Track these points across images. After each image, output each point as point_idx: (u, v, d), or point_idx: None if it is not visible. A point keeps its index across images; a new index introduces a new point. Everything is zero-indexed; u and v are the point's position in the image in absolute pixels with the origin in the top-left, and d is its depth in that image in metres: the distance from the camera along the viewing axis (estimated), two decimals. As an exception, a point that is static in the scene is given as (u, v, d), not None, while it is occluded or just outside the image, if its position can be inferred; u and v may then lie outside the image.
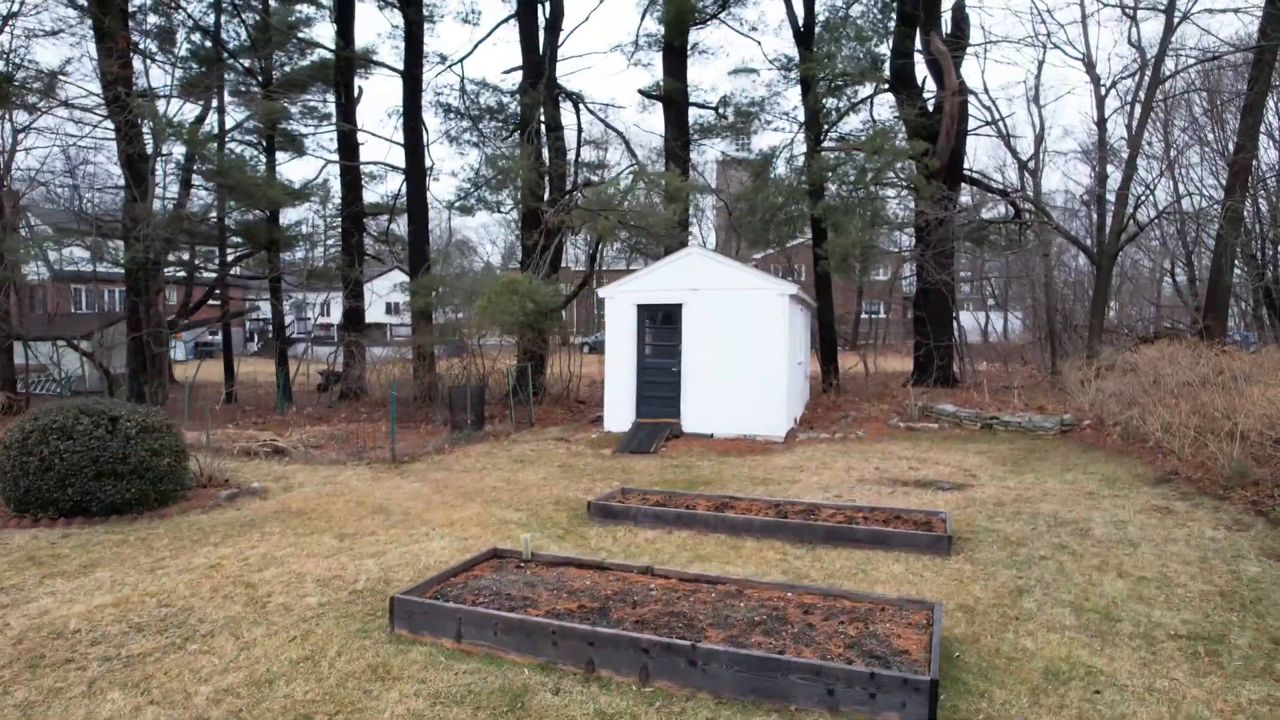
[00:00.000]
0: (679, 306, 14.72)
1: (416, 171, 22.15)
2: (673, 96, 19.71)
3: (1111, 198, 17.31)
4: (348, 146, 23.22)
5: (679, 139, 19.79)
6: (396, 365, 22.27)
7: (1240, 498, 9.11)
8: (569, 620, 5.01)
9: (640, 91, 20.96)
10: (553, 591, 5.67)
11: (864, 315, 44.59)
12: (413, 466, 12.29)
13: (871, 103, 20.16)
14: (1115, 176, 18.50)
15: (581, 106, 21.70)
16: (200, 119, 24.48)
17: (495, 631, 4.94)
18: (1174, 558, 7.24)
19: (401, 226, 26.51)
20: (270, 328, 39.15)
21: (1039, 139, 18.34)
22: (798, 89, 19.79)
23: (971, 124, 19.87)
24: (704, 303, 14.55)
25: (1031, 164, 18.60)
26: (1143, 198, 18.07)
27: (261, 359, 38.56)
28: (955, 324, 19.79)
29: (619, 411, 15.10)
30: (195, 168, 22.94)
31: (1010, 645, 5.28)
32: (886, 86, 19.89)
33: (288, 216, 27.47)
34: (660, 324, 15.03)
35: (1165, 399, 12.29)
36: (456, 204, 21.16)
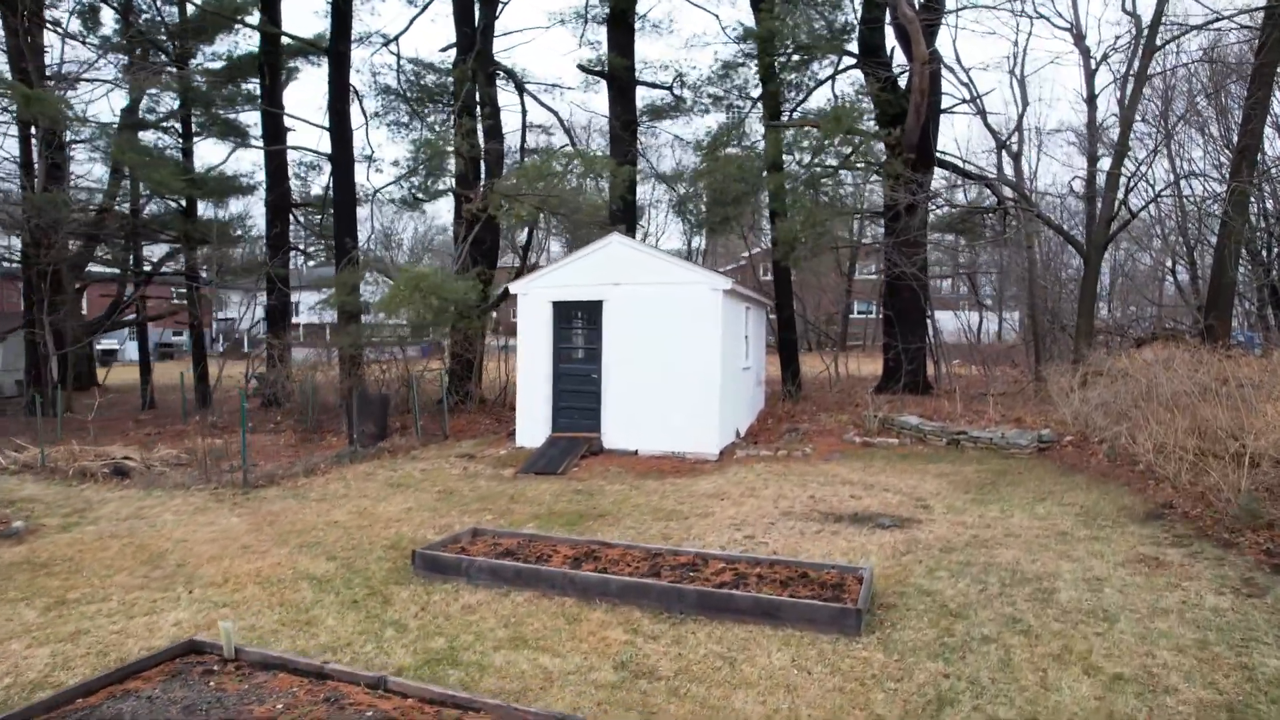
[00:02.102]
0: (599, 304, 12.78)
1: (343, 158, 20.16)
2: (617, 73, 17.76)
3: (1103, 181, 15.36)
4: (273, 132, 21.29)
5: (624, 120, 17.83)
6: (322, 369, 20.35)
7: (1251, 544, 7.15)
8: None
9: (581, 67, 18.99)
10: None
11: (857, 314, 42.63)
12: (264, 493, 10.35)
13: (834, 81, 18.19)
14: (1108, 163, 16.59)
15: (519, 84, 19.73)
16: (131, 108, 22.64)
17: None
18: (1163, 640, 5.29)
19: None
20: (238, 327, 37.25)
21: (1020, 117, 16.40)
22: (757, 65, 17.84)
23: (948, 102, 17.93)
24: (627, 299, 12.60)
25: (1015, 144, 16.63)
26: (1136, 176, 15.95)
27: (231, 359, 36.54)
28: (929, 323, 17.83)
29: (533, 425, 13.15)
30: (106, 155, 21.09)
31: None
32: (854, 62, 17.97)
33: (232, 210, 25.57)
34: (579, 324, 13.09)
35: (1159, 413, 10.33)
36: (394, 196, 19.16)
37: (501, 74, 19.31)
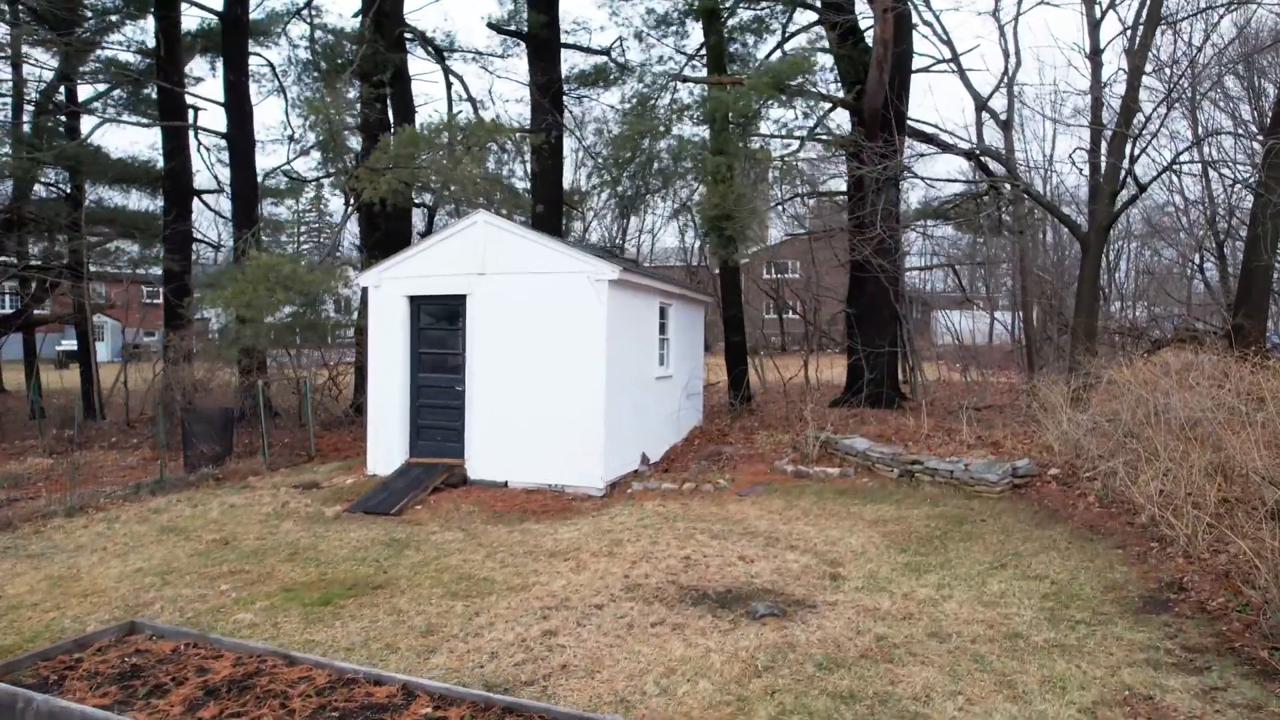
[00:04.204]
0: (463, 298, 10.24)
1: (241, 138, 17.88)
2: (536, 31, 15.22)
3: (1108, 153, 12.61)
4: (170, 107, 18.94)
5: (544, 84, 15.26)
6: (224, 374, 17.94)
7: (1307, 674, 4.46)
8: None
9: (492, 26, 16.45)
10: None
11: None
12: (-22, 544, 7.90)
13: (784, 37, 15.43)
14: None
15: (437, 50, 17.21)
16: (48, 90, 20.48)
17: None
18: None
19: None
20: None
21: (1008, 74, 13.53)
22: (700, 20, 15.20)
23: (924, 62, 15.24)
24: (495, 293, 10.06)
25: (1003, 109, 13.83)
26: (1146, 135, 12.87)
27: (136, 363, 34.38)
28: (901, 325, 15.10)
29: (387, 447, 10.64)
30: None
31: None
32: (815, 19, 15.31)
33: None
34: (440, 324, 10.55)
35: (1170, 443, 7.61)
36: (276, 181, 16.71)
37: (411, 37, 16.81)
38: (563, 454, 9.78)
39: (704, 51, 15.34)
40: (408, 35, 16.75)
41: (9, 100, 19.58)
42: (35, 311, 19.99)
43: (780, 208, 15.84)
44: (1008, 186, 13.90)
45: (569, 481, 9.80)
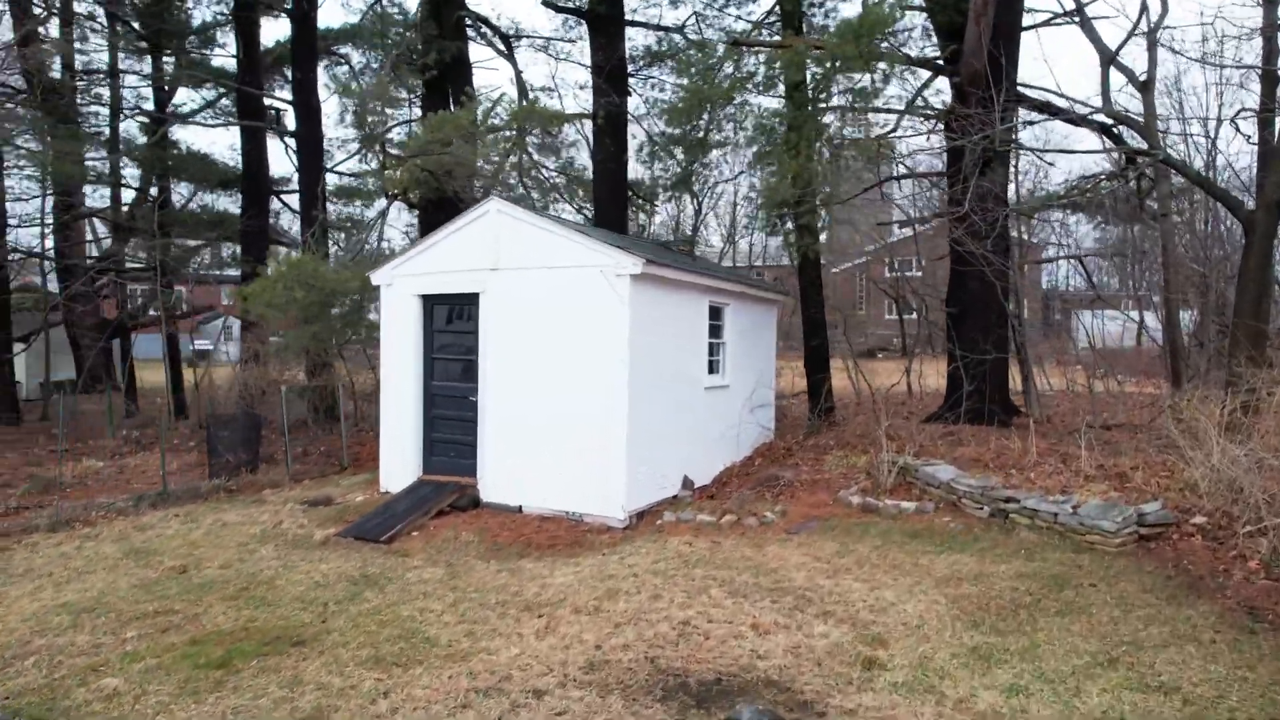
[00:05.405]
0: (475, 298, 9.08)
1: (309, 135, 17.58)
2: (596, 8, 13.95)
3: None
4: (248, 110, 19.00)
5: (605, 65, 13.93)
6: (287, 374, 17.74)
7: None
8: None
9: (547, 3, 15.21)
10: None
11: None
12: (-59, 561, 7.39)
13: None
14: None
15: (504, 37, 16.24)
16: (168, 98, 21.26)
17: None
18: None
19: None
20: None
21: (1149, 22, 11.01)
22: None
23: (1040, 18, 12.87)
24: (509, 290, 8.85)
25: (1141, 70, 11.33)
26: None
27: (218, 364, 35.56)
28: (1013, 326, 12.79)
29: (399, 462, 9.64)
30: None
31: None
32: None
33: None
34: (453, 326, 9.44)
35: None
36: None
37: (471, 22, 15.91)
38: (581, 478, 8.44)
39: (772, 18, 13.61)
40: (468, 21, 15.88)
41: (104, 108, 20.31)
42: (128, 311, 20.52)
43: (871, 192, 13.84)
44: (1136, 156, 11.40)
45: (588, 509, 8.45)
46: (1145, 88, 11.81)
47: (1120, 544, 6.79)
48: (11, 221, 19.22)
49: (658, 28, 15.77)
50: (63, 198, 20.54)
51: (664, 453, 8.94)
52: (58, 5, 19.65)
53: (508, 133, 11.47)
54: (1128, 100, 12.58)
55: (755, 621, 5.64)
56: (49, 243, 21.00)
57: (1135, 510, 7.02)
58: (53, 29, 19.81)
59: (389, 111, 14.27)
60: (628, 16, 14.74)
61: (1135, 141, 11.72)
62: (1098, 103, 11.44)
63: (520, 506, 8.81)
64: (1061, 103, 11.00)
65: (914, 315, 26.58)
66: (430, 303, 9.41)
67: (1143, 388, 15.43)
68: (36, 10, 19.37)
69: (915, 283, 27.99)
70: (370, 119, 12.15)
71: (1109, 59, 10.88)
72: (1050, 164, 14.70)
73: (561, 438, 8.54)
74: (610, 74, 14.15)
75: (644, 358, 8.40)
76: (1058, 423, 11.94)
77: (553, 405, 8.59)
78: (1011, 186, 13.52)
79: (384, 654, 5.24)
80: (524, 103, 13.41)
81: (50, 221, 21.09)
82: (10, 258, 19.28)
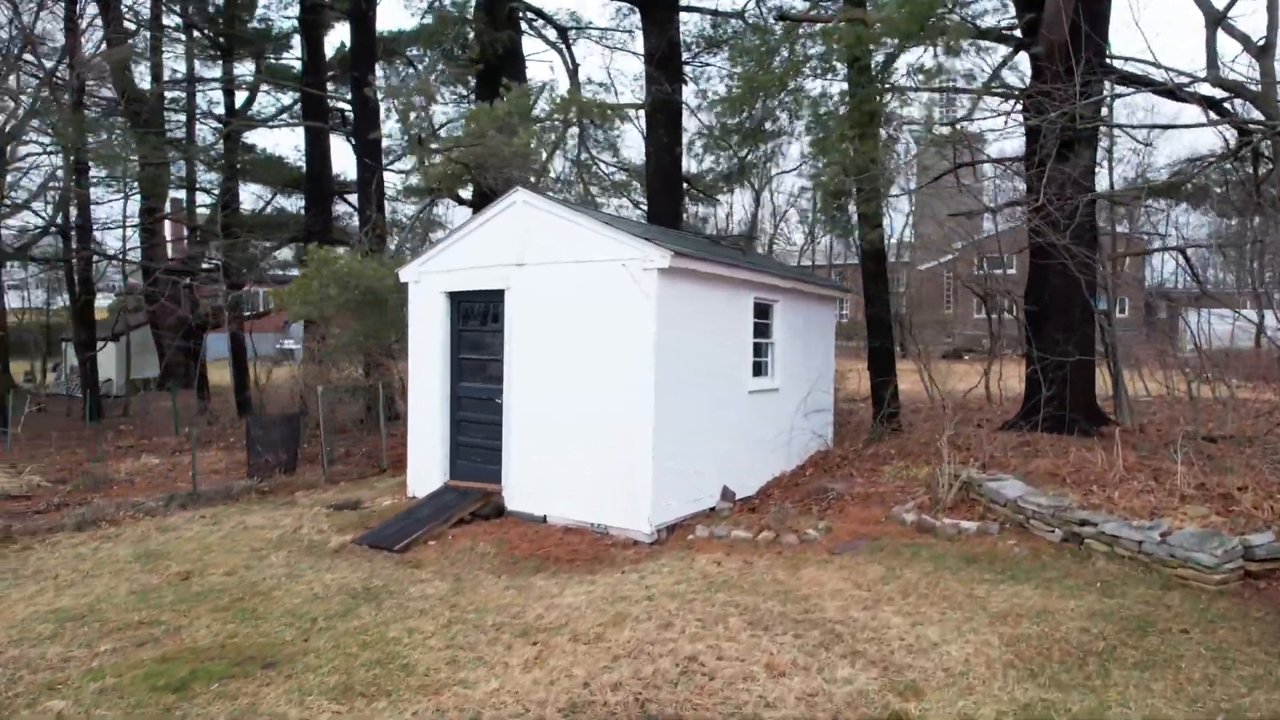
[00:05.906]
0: (500, 294, 8.62)
1: (367, 138, 17.60)
2: (647, -7, 13.37)
3: None
4: (313, 111, 19.24)
5: (658, 52, 13.31)
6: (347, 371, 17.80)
7: None
8: None
9: (597, -11, 14.64)
10: None
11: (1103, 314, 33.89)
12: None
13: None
14: None
15: (559, 28, 15.80)
16: (247, 104, 21.97)
17: None
18: None
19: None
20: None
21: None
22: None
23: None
24: (535, 286, 8.35)
25: (1257, 32, 9.94)
26: None
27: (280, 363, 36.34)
28: (1100, 325, 11.50)
29: (426, 466, 9.28)
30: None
31: None
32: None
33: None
34: (479, 325, 9.00)
35: None
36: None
37: (524, 12, 15.54)
38: (607, 487, 7.87)
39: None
40: (520, 14, 15.53)
41: (181, 113, 20.95)
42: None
43: (943, 178, 12.71)
44: (1252, 129, 10.02)
45: (614, 521, 7.87)
46: (1263, 52, 10.36)
47: (1221, 581, 5.76)
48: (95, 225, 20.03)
49: (713, 13, 15.05)
50: (147, 202, 21.37)
51: (696, 451, 8.26)
52: (147, 17, 20.41)
53: (549, 123, 11.00)
54: (1242, 70, 11.03)
55: (771, 660, 4.94)
56: (129, 244, 21.79)
57: (1240, 541, 5.96)
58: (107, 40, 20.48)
59: (438, 108, 14.02)
60: (681, 1, 14.09)
61: (1250, 116, 10.34)
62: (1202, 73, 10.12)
63: (545, 516, 8.29)
64: (1158, 75, 9.74)
65: (1000, 314, 24.93)
66: (457, 300, 9.02)
67: (1260, 395, 13.82)
68: (128, 24, 20.20)
69: (1006, 280, 26.24)
70: (412, 115, 11.89)
71: (1216, 19, 9.59)
72: (1147, 144, 13.22)
73: (587, 444, 7.99)
74: (661, 61, 13.53)
75: (673, 355, 7.76)
76: (1152, 433, 10.67)
77: (578, 410, 8.05)
78: (1103, 171, 12.23)
79: (355, 681, 4.79)
80: (568, 93, 12.89)
81: (134, 224, 21.97)
82: (94, 260, 20.12)
